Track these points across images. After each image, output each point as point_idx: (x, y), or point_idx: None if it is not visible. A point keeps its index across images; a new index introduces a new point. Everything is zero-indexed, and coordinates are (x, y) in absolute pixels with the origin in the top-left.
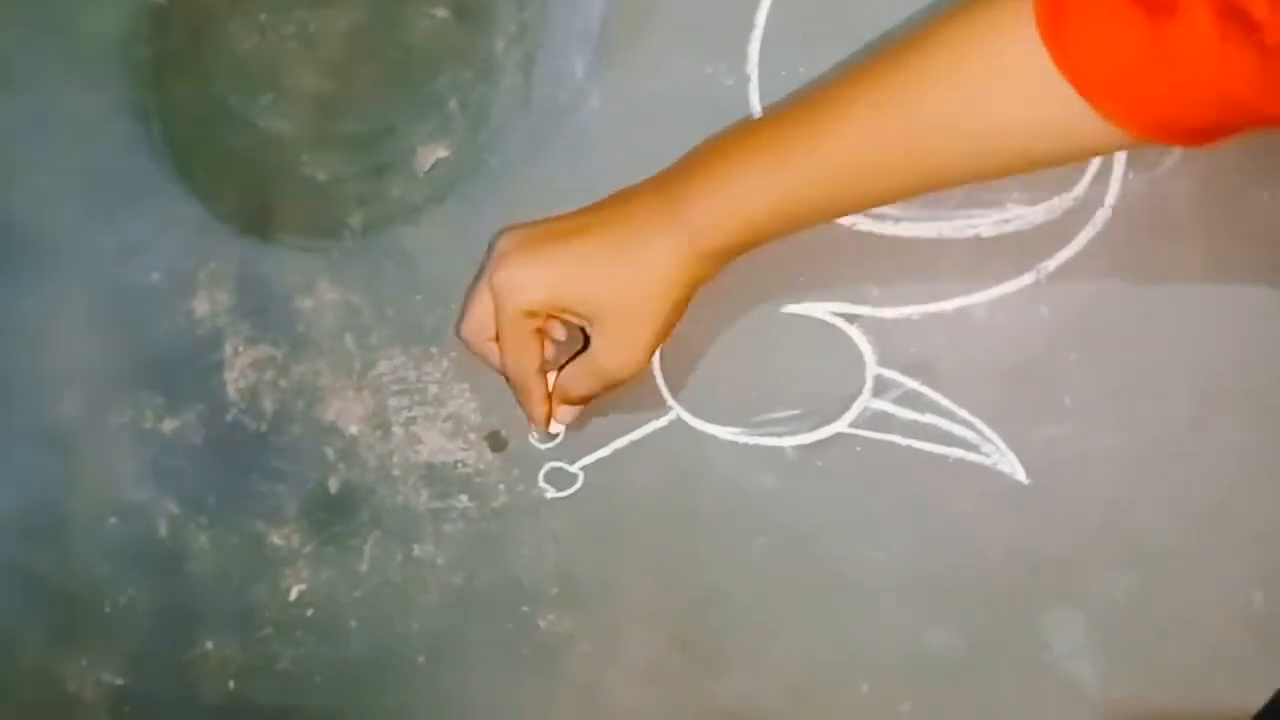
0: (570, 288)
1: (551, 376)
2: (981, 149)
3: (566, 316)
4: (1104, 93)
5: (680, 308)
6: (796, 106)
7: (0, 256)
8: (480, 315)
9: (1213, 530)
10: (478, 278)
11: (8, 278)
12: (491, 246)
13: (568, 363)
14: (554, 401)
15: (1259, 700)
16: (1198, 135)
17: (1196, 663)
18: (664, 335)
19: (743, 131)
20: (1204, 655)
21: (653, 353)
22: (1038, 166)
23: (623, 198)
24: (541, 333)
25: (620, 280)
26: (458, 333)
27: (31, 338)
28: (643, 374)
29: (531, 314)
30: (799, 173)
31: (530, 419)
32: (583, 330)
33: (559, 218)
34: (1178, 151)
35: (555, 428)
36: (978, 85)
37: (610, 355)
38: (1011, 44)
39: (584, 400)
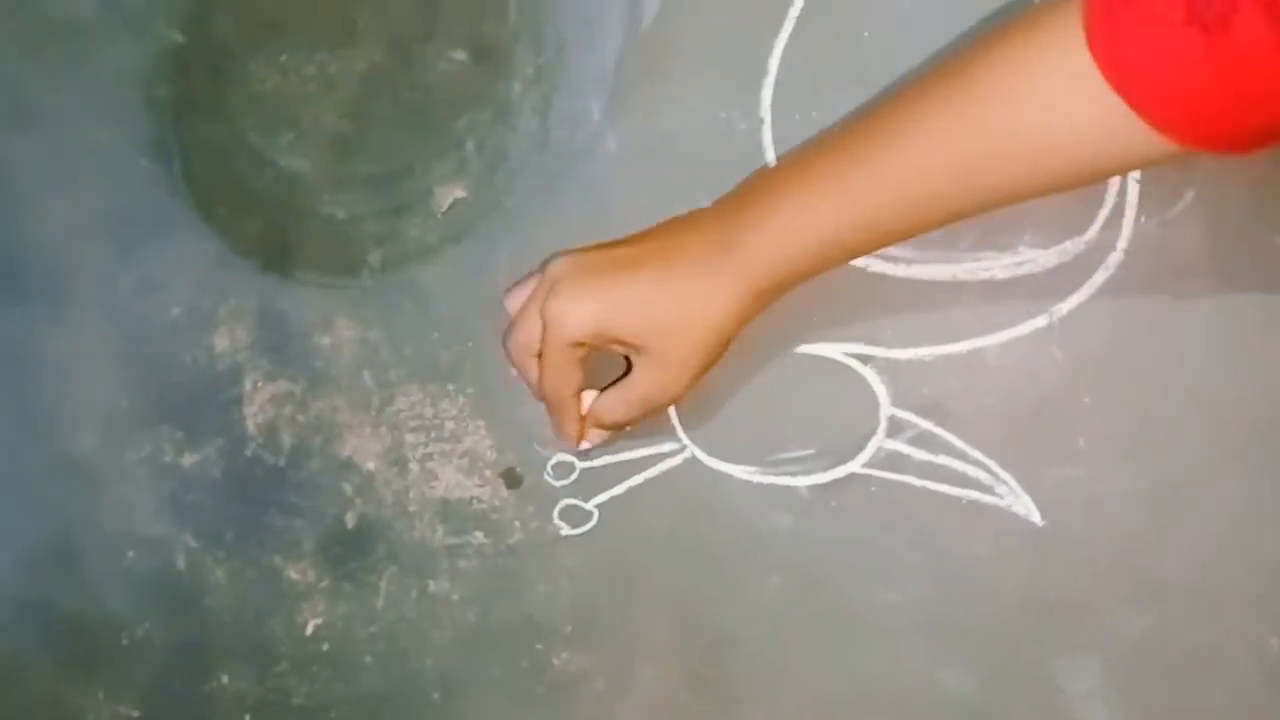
0: (620, 321)
1: (587, 397)
2: (1037, 167)
3: (613, 346)
4: (1159, 108)
5: (727, 344)
6: (849, 136)
7: (22, 291)
8: (528, 334)
9: (1228, 573)
10: (519, 285)
11: (30, 312)
12: (545, 266)
13: (606, 388)
14: (587, 425)
15: None
16: (1251, 143)
17: (1212, 707)
18: (707, 369)
19: (796, 164)
20: (1220, 699)
21: (693, 386)
22: (1087, 182)
23: (677, 231)
24: (584, 363)
25: (670, 316)
26: (504, 344)
27: (52, 372)
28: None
29: (579, 344)
30: (857, 202)
31: (562, 436)
32: (625, 357)
33: (612, 246)
34: (1189, 194)
35: (584, 445)
36: (1035, 105)
37: (653, 386)
38: (1064, 63)
39: (619, 427)
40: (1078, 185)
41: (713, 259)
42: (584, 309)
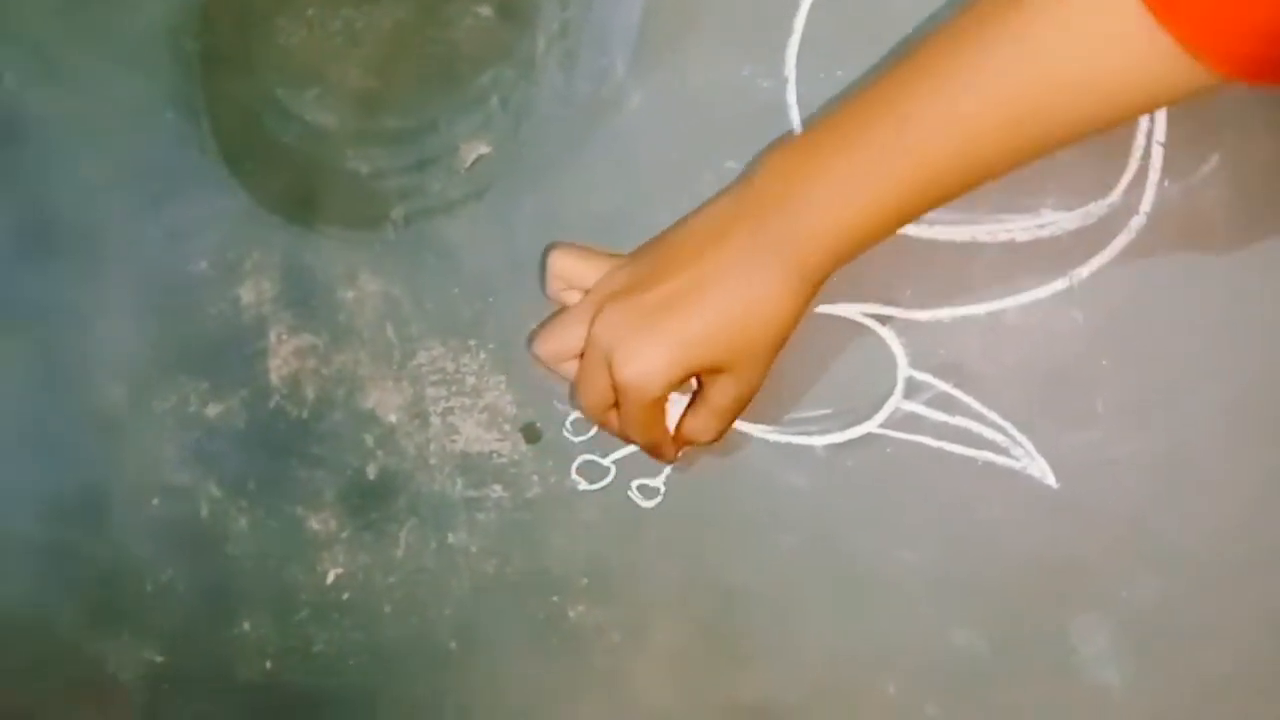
0: (697, 359)
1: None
2: (1083, 107)
3: (688, 378)
4: (1202, 36)
5: (799, 319)
6: (884, 96)
7: (51, 245)
8: (599, 396)
9: (1244, 538)
10: (547, 331)
11: (58, 266)
12: (592, 326)
13: (685, 414)
14: (680, 447)
15: None
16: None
17: (1225, 671)
18: (780, 349)
19: (830, 133)
20: (1233, 664)
21: (767, 374)
22: (1127, 119)
23: (710, 240)
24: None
25: (738, 332)
26: (574, 401)
27: (82, 324)
28: None
29: (662, 399)
30: (905, 171)
31: (660, 461)
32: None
33: (646, 278)
34: (1214, 158)
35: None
36: (1078, 45)
37: (737, 395)
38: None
39: (708, 443)
40: (1116, 124)
41: (763, 263)
42: (660, 366)
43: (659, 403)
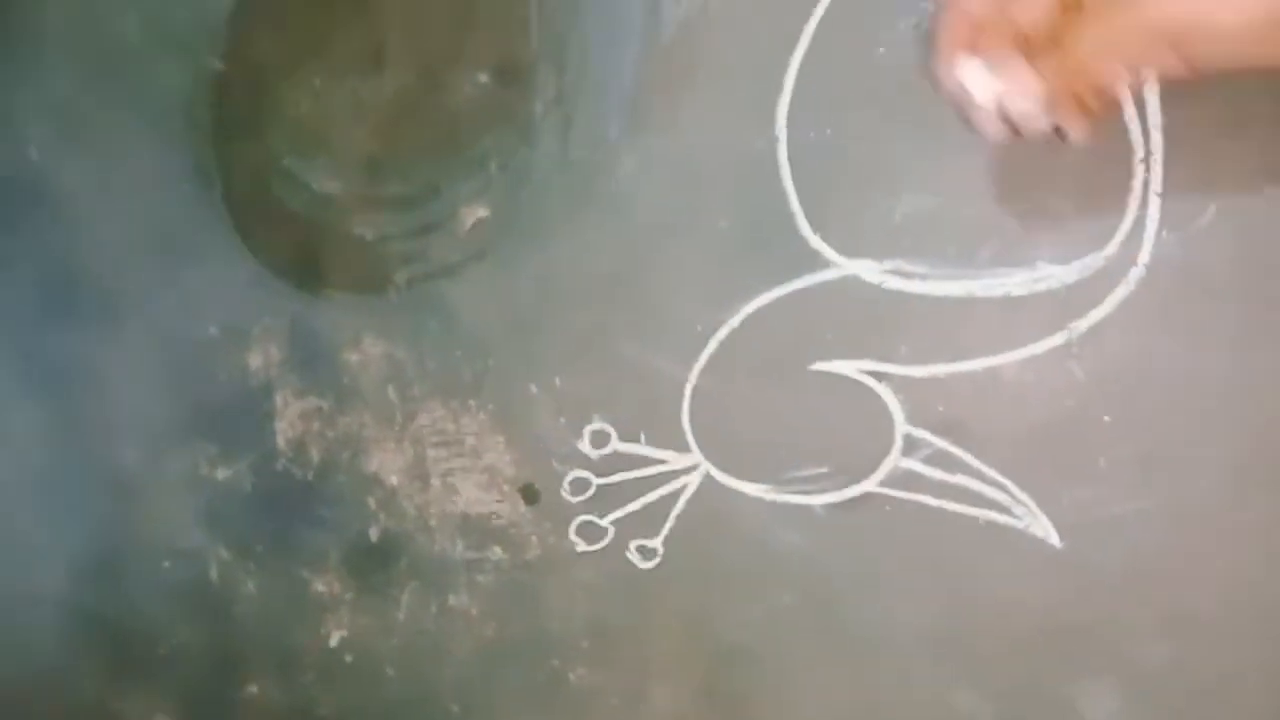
0: None
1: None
2: None
3: None
4: None
5: None
6: None
7: (70, 308)
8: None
9: (1252, 597)
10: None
11: (77, 328)
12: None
13: None
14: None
15: None
16: None
17: None
18: None
19: None
20: None
21: None
22: None
23: None
24: None
25: None
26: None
27: (98, 388)
28: None
29: None
30: None
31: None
32: None
33: None
34: (1212, 209)
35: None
36: None
37: None
38: None
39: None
40: None
41: None
42: None
43: None
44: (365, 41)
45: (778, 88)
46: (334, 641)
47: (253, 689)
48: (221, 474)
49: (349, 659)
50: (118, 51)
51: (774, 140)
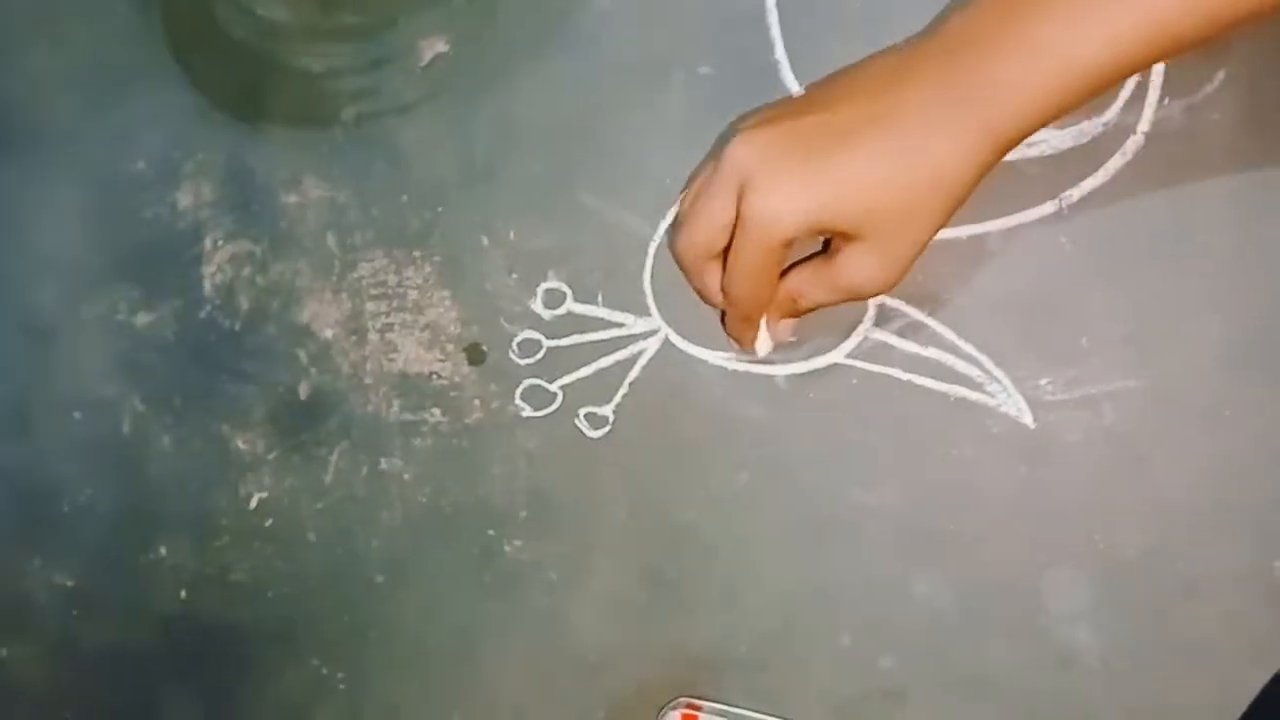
0: (842, 210)
1: None
2: None
3: (821, 236)
4: None
5: (956, 208)
6: None
7: None
8: (709, 234)
9: (1235, 490)
10: (694, 178)
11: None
12: (724, 146)
13: (800, 263)
14: (774, 314)
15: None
16: None
17: (1209, 634)
18: (934, 235)
19: None
20: (1218, 626)
21: (913, 264)
22: None
23: (891, 78)
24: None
25: (896, 187)
26: (672, 245)
27: (15, 223)
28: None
29: (790, 242)
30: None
31: (740, 343)
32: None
33: (801, 111)
34: (1220, 75)
35: (764, 349)
36: None
37: (866, 271)
38: None
39: (810, 311)
40: None
41: (948, 109)
42: (798, 204)
43: (780, 252)
44: None
45: None
46: (253, 504)
47: (161, 551)
48: (142, 320)
49: (268, 523)
50: None
51: None
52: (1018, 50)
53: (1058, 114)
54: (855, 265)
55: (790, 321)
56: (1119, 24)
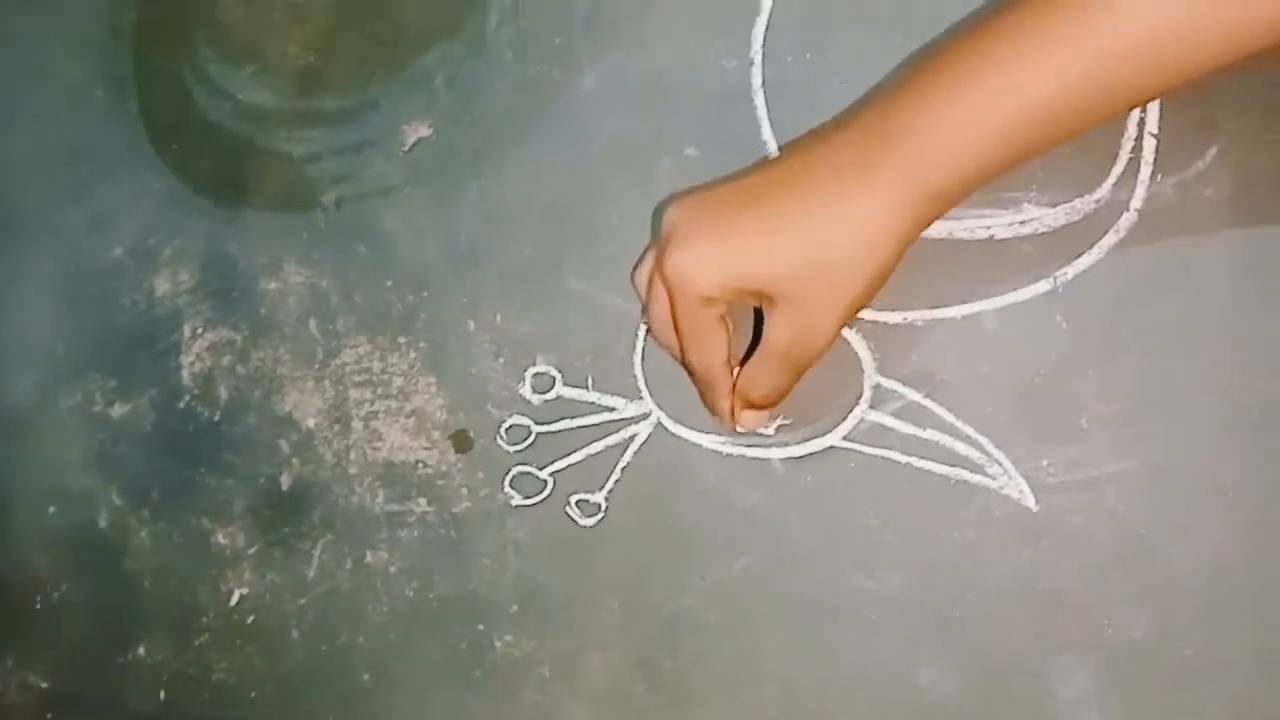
0: (751, 265)
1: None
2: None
3: (746, 300)
4: None
5: (889, 268)
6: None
7: None
8: (660, 303)
9: (1239, 569)
10: (641, 260)
11: None
12: (657, 221)
13: (744, 361)
14: (738, 405)
15: None
16: None
17: (1217, 716)
18: (863, 302)
19: (960, 41)
20: (1226, 710)
21: (845, 325)
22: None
23: (803, 148)
24: (725, 321)
25: (811, 249)
26: (644, 321)
27: None
28: (829, 350)
29: (710, 300)
30: (1060, 60)
31: (717, 417)
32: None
33: (731, 180)
34: (1211, 152)
35: (740, 429)
36: None
37: (786, 333)
38: None
39: (772, 402)
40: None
41: (863, 162)
42: (706, 257)
43: (703, 312)
44: None
45: (755, 6)
46: (234, 600)
47: (140, 650)
48: (118, 410)
49: (250, 620)
50: None
51: (748, 62)
52: (930, 111)
53: (980, 167)
54: (776, 329)
55: (760, 413)
56: (1022, 88)
